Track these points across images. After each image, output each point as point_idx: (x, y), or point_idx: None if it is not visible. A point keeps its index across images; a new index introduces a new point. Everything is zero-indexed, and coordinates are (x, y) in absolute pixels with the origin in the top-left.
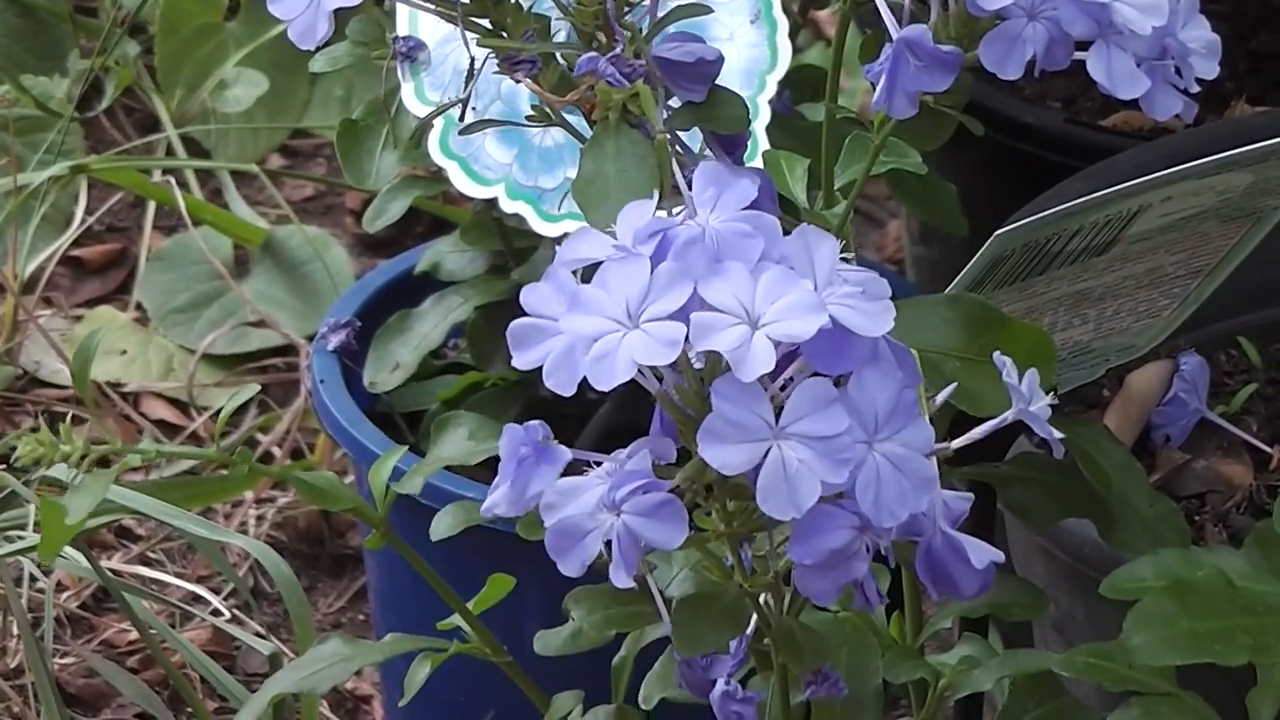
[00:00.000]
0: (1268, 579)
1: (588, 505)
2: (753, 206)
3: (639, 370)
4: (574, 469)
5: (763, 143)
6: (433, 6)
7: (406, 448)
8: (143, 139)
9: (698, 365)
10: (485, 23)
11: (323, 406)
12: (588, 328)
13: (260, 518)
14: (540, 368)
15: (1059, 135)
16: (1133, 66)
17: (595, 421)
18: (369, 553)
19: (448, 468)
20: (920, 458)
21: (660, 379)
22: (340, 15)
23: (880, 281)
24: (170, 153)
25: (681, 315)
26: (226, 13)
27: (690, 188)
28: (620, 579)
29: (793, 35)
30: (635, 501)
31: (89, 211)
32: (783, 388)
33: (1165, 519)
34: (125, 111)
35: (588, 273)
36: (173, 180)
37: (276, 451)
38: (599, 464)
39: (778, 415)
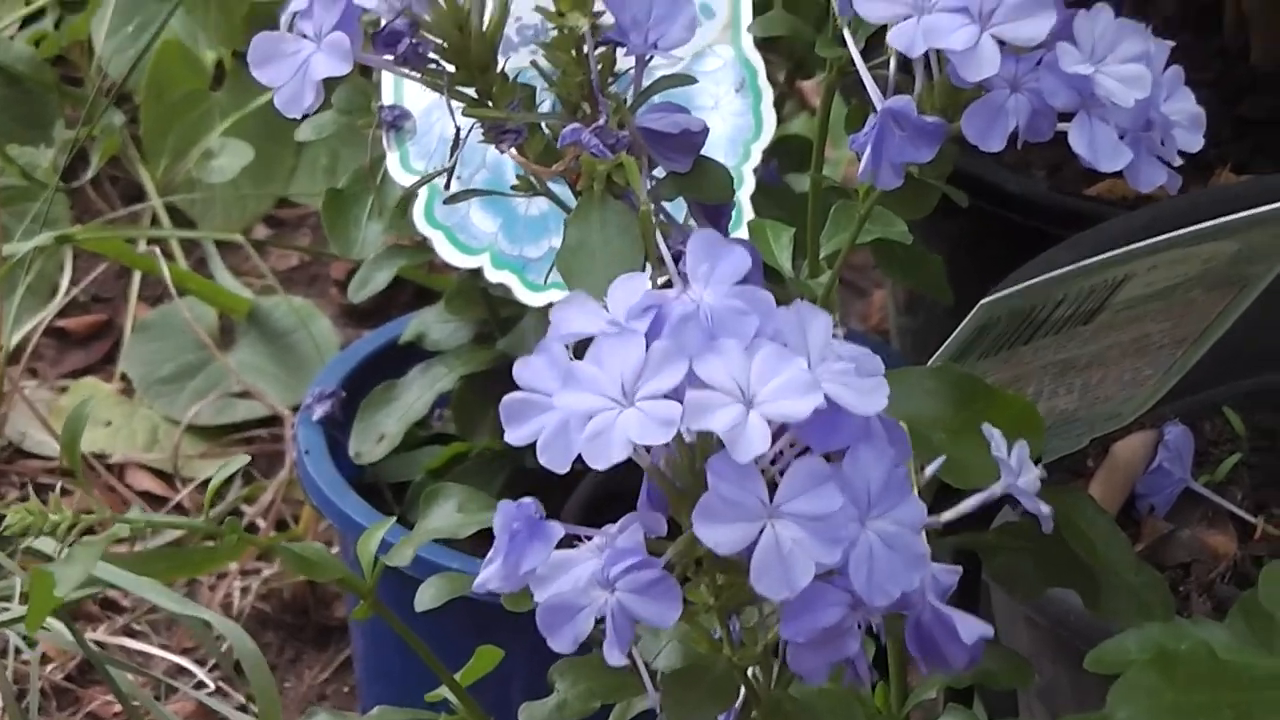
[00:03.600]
0: (1253, 651)
1: (580, 581)
2: (742, 278)
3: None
4: (564, 540)
5: (747, 211)
6: (418, 75)
7: (394, 519)
8: (128, 208)
9: (690, 440)
10: (471, 92)
11: (308, 477)
12: (582, 405)
13: (245, 589)
14: (531, 441)
15: (1043, 203)
16: (1115, 139)
17: (582, 489)
18: (355, 624)
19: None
20: (912, 535)
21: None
22: (326, 84)
23: (873, 357)
24: (155, 222)
25: (677, 393)
26: (212, 82)
27: (674, 259)
28: (614, 657)
29: (778, 105)
30: (629, 579)
31: (74, 281)
32: (773, 461)
33: (1151, 588)
34: (110, 181)
35: (580, 346)
36: (158, 250)
37: (261, 523)
38: (589, 537)
39: (771, 491)
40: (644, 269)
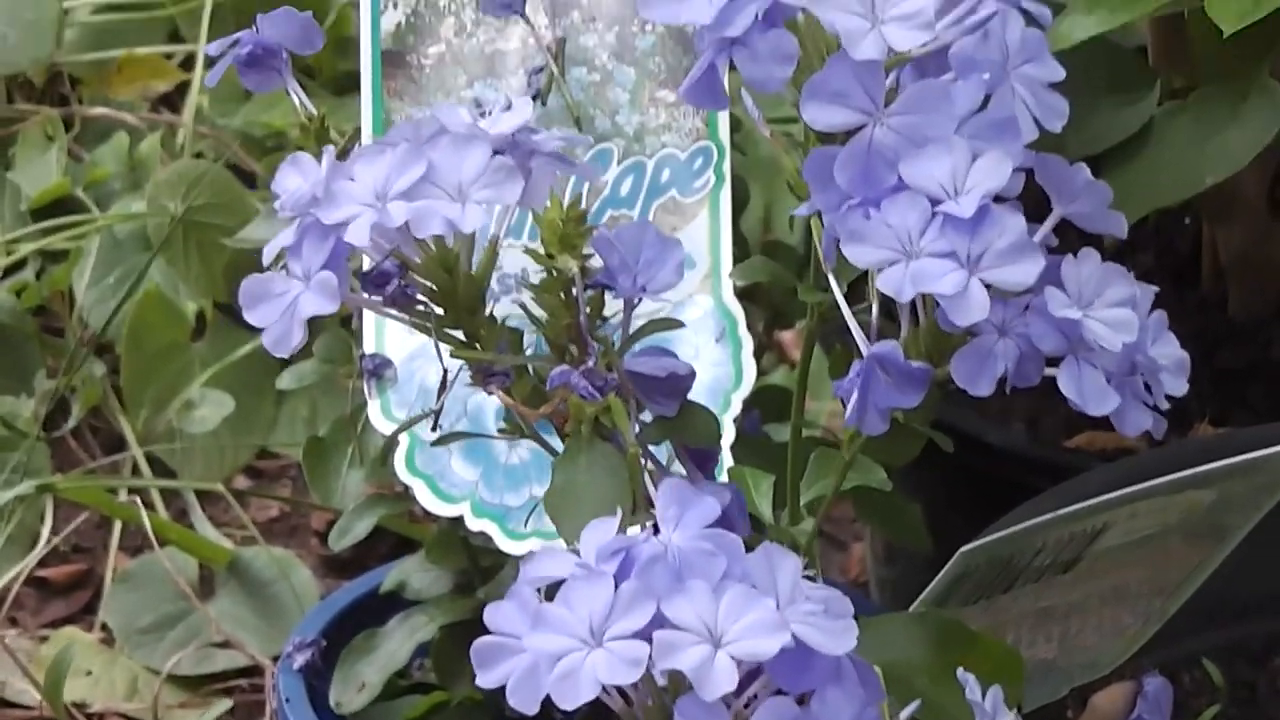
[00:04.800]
0: None
1: None
2: (722, 521)
3: (602, 688)
4: None
5: (728, 460)
6: (406, 317)
7: None
8: (108, 458)
9: (661, 681)
10: (458, 334)
11: None
12: (551, 646)
13: None
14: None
15: (1023, 455)
16: (1103, 383)
17: None
18: None
19: None
20: None
21: (624, 695)
22: (308, 332)
23: (843, 599)
24: (136, 472)
25: (645, 633)
26: (193, 333)
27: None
28: None
29: (757, 356)
30: None
31: (55, 531)
32: (746, 705)
33: None
34: (91, 431)
35: (553, 590)
36: (138, 500)
37: None
38: None
39: None
40: (632, 512)
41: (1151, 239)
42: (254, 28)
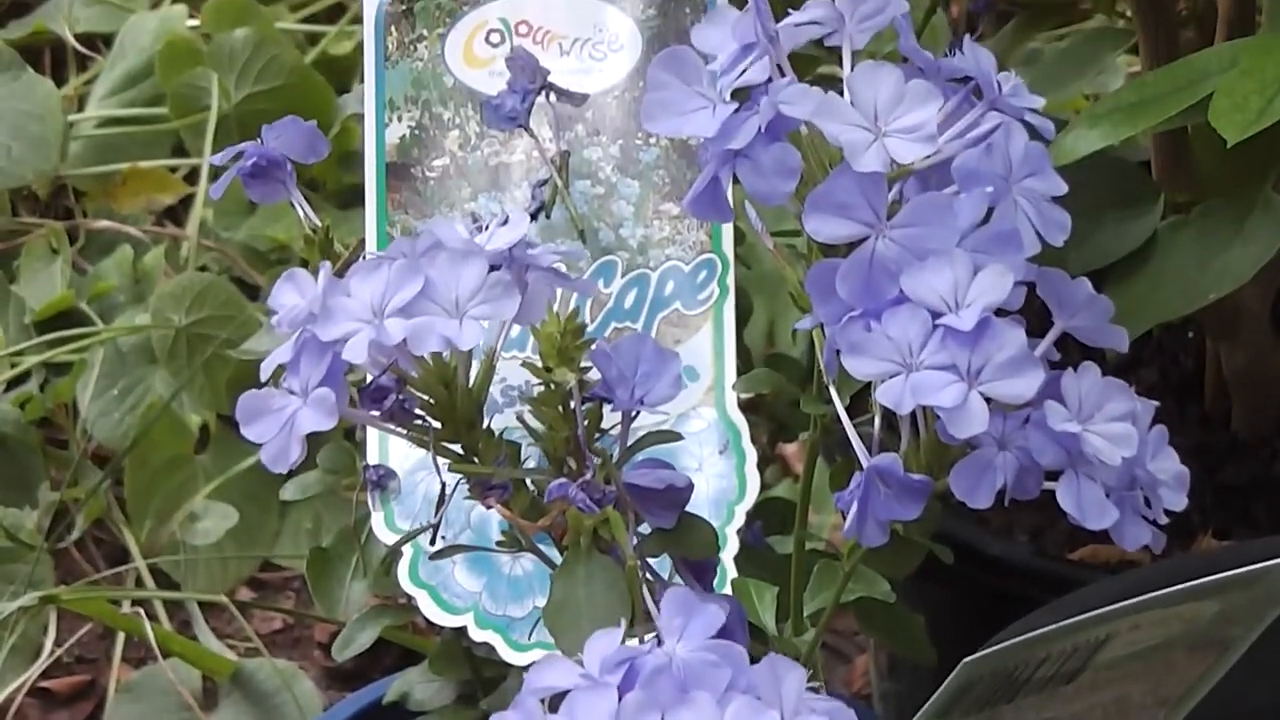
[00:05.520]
0: None
1: None
2: (722, 633)
3: None
4: None
5: (731, 572)
6: (404, 432)
7: None
8: (112, 570)
9: None
10: (457, 448)
11: None
12: None
13: None
14: None
15: (1027, 568)
16: (1102, 496)
17: None
18: None
19: None
20: None
21: None
22: (312, 443)
23: (847, 711)
24: (139, 583)
25: None
26: (197, 445)
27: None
28: None
29: (760, 469)
30: None
31: (58, 642)
32: None
33: None
34: (95, 542)
35: (557, 701)
36: (142, 611)
37: None
38: None
39: None
40: (630, 625)
41: (1155, 354)
42: (259, 140)
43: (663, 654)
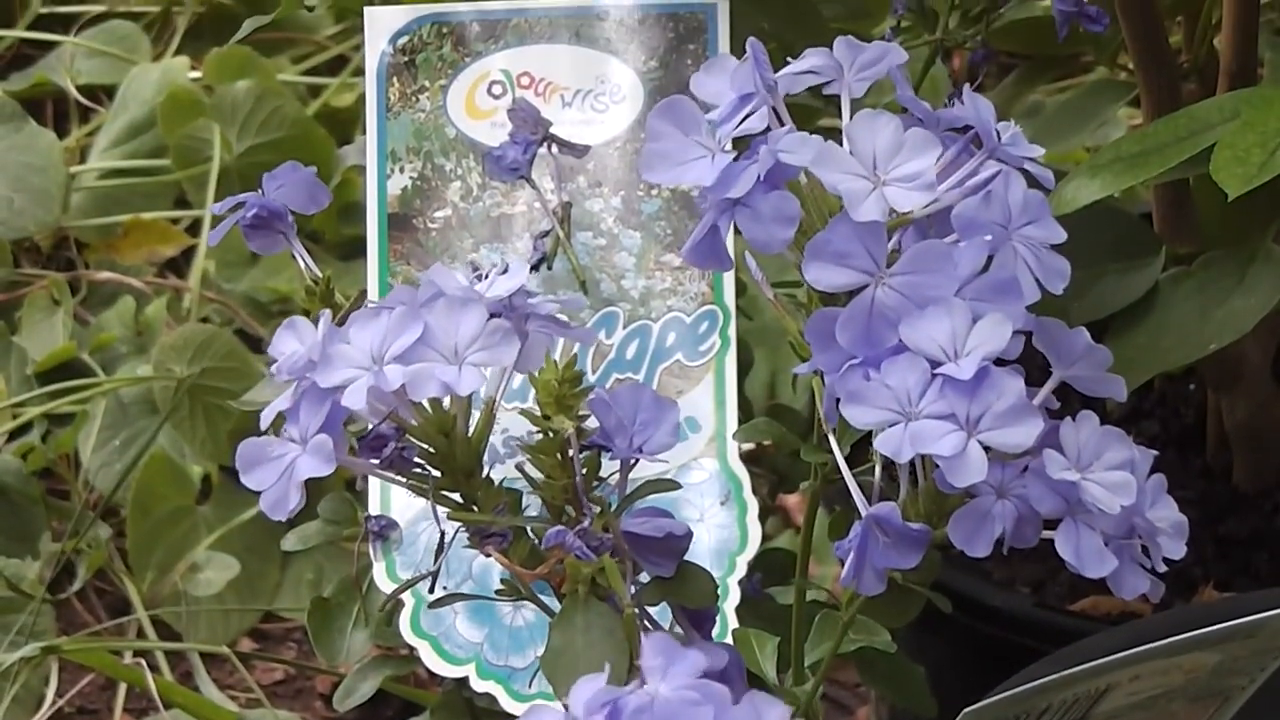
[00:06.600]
0: None
1: None
2: (722, 680)
3: None
4: None
5: (732, 622)
6: (404, 480)
7: None
8: (114, 620)
9: None
10: (456, 496)
11: None
12: None
13: None
14: None
15: (1027, 619)
16: (1101, 545)
17: None
18: None
19: None
20: None
21: None
22: (312, 493)
23: None
24: (141, 634)
25: None
26: (198, 496)
27: None
28: None
29: (761, 520)
30: None
31: (59, 693)
32: None
33: None
34: (97, 593)
35: None
36: (143, 662)
37: None
38: None
39: None
40: (628, 672)
41: (1157, 406)
42: (260, 191)
43: (645, 694)
